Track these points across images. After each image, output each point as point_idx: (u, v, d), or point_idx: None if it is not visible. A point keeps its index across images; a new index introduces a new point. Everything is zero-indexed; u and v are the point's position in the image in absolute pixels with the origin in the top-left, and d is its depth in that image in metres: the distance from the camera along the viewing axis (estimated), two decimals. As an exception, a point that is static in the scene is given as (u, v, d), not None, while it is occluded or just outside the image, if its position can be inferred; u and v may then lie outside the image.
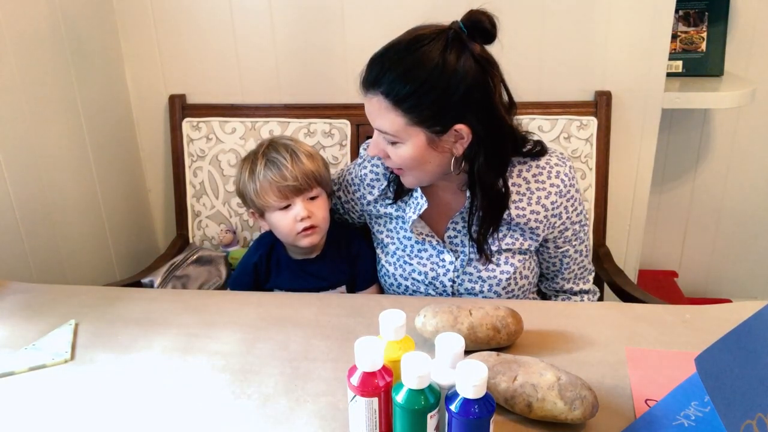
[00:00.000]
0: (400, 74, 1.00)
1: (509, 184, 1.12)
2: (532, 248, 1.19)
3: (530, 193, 1.14)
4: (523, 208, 1.14)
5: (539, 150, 1.16)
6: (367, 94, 1.04)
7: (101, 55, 1.62)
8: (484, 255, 1.16)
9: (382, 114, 1.03)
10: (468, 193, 1.13)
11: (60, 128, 1.47)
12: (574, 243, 1.21)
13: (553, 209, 1.15)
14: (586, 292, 1.29)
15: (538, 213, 1.15)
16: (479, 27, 1.00)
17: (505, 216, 1.14)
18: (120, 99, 1.71)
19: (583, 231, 1.22)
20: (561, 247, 1.21)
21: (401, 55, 1.01)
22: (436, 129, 1.02)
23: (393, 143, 1.06)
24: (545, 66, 1.56)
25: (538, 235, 1.17)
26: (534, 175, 1.15)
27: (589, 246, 1.29)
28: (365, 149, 1.29)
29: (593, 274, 1.31)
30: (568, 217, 1.18)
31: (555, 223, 1.17)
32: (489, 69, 1.01)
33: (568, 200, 1.16)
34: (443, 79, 0.99)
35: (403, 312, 0.77)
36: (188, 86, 1.69)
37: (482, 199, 1.11)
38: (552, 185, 1.14)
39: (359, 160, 1.30)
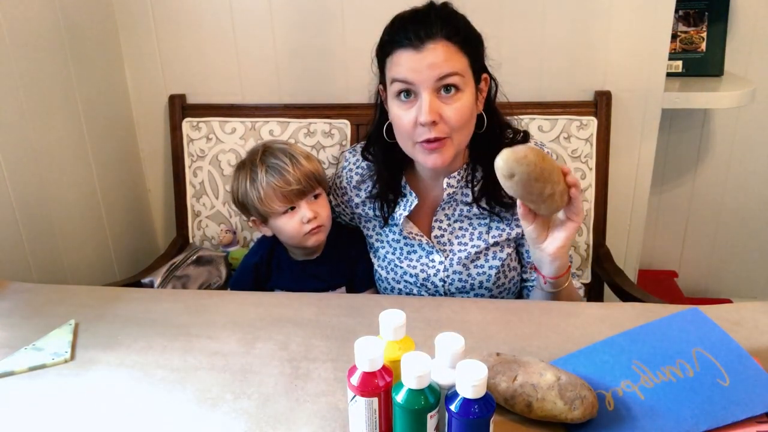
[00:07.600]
0: (454, 21, 1.07)
1: None
2: (520, 236, 1.19)
3: None
4: (503, 195, 1.15)
5: (521, 138, 1.19)
6: (426, 44, 1.04)
7: (101, 55, 1.62)
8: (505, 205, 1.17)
9: (450, 57, 1.05)
10: (468, 164, 1.18)
11: (60, 128, 1.47)
12: None
13: None
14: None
15: (512, 198, 1.15)
16: None
17: (488, 208, 1.17)
18: (120, 99, 1.71)
19: None
20: None
21: (445, 9, 1.09)
22: (476, 76, 1.10)
23: (456, 91, 1.06)
24: (545, 66, 1.56)
25: (518, 221, 1.17)
26: None
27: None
28: (351, 153, 1.31)
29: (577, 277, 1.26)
30: None
31: None
32: None
33: None
34: (476, 31, 1.11)
35: (403, 312, 0.77)
36: (188, 86, 1.69)
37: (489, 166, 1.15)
38: None
39: (344, 164, 1.31)
